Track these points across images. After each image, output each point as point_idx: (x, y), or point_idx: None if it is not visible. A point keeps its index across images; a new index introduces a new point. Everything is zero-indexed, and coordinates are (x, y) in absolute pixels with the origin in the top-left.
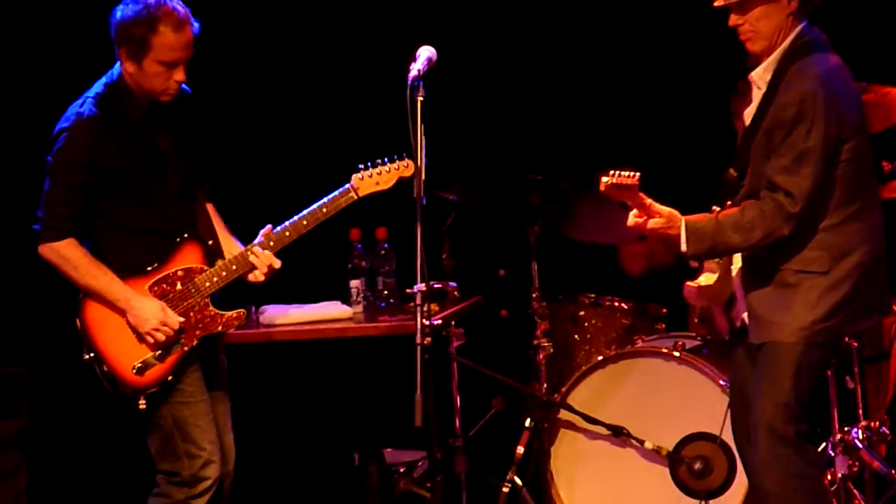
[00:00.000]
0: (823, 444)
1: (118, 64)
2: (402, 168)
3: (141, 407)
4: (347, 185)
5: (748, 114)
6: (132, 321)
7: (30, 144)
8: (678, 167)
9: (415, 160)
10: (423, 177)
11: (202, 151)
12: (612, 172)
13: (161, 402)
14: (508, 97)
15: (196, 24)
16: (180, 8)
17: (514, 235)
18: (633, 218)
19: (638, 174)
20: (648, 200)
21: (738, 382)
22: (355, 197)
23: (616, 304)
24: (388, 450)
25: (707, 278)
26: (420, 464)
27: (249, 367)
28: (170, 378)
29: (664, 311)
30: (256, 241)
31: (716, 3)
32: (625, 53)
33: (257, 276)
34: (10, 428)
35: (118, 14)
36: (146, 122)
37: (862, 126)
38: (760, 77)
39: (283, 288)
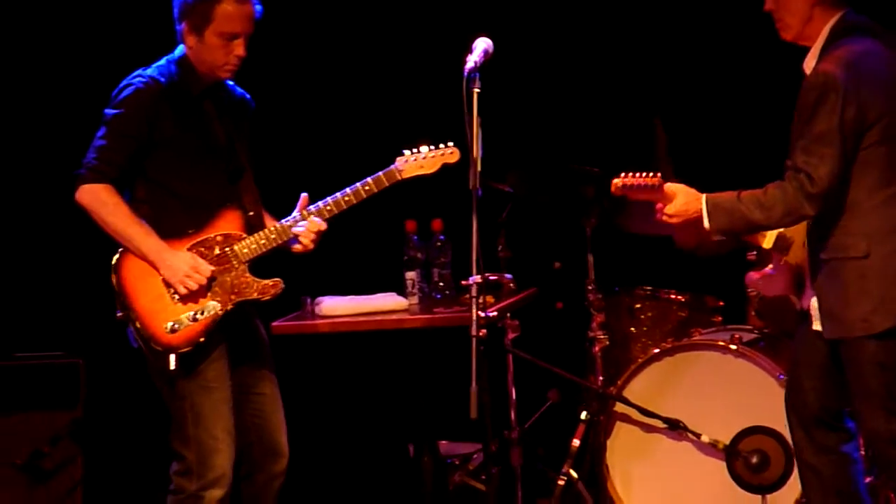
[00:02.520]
0: None
1: (180, 46)
2: (447, 154)
3: (172, 367)
4: (393, 167)
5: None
6: (164, 272)
7: (74, 147)
8: (736, 155)
9: (470, 152)
10: (479, 168)
11: (256, 158)
12: (623, 174)
13: (182, 381)
14: (565, 89)
15: (258, 6)
16: None
17: (569, 227)
18: (660, 214)
19: (659, 174)
20: (670, 188)
21: (795, 363)
22: (399, 178)
23: (673, 296)
24: (444, 442)
25: (773, 268)
26: (475, 456)
27: (305, 358)
28: (202, 339)
29: (721, 303)
30: (294, 214)
31: None
32: (682, 43)
33: (306, 244)
34: (66, 419)
35: None
36: (206, 100)
37: None
38: (808, 66)
39: (339, 279)
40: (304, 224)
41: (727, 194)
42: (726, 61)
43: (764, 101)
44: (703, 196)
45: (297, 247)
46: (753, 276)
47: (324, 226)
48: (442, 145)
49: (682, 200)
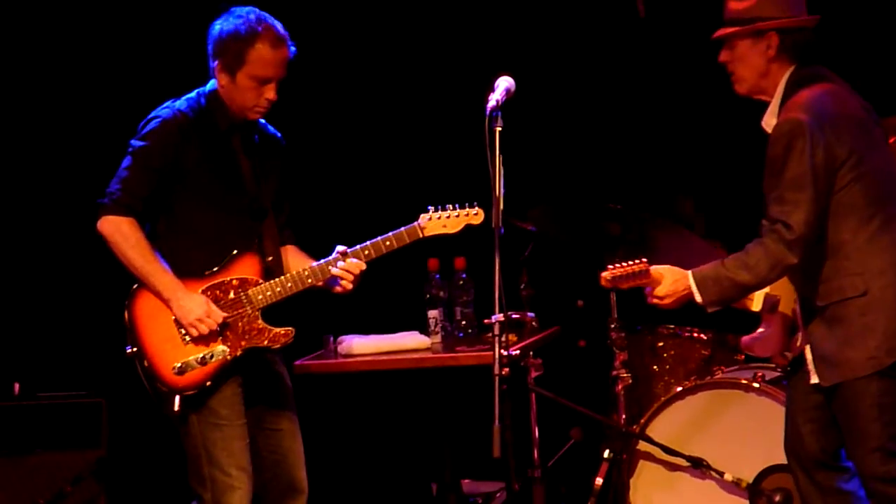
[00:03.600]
0: None
1: (212, 80)
2: (471, 216)
3: (175, 408)
4: (415, 224)
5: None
6: (176, 312)
7: (93, 185)
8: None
9: (493, 190)
10: (502, 207)
11: (285, 198)
12: (610, 266)
13: (194, 420)
14: (586, 126)
15: (293, 48)
16: (280, 27)
17: (592, 265)
18: (651, 298)
19: (644, 260)
20: (657, 272)
21: (789, 409)
22: (420, 235)
23: (695, 334)
24: (467, 480)
25: (765, 330)
26: (498, 495)
27: (328, 396)
28: (208, 384)
29: None
30: (333, 255)
31: (714, 35)
32: (705, 83)
33: (345, 285)
34: (89, 458)
35: (217, 27)
36: (233, 137)
37: (866, 144)
38: (768, 124)
39: (361, 318)
40: (341, 265)
41: (711, 265)
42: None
43: None
44: (689, 272)
45: (338, 288)
46: (746, 339)
47: (363, 266)
48: (467, 206)
49: (670, 281)
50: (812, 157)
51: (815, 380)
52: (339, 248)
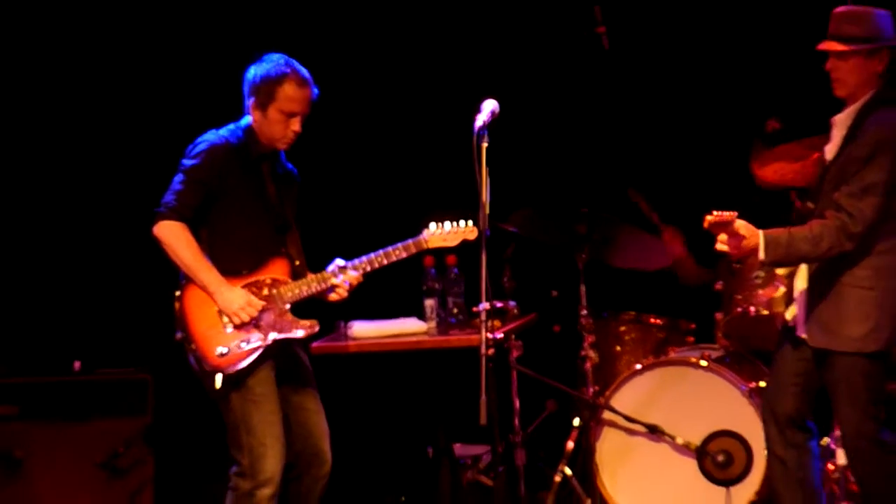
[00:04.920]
0: (827, 439)
1: (247, 116)
2: (467, 232)
3: (217, 386)
4: (420, 237)
5: (829, 150)
6: (220, 303)
7: (146, 189)
8: (718, 197)
9: (479, 198)
10: (487, 212)
11: (300, 220)
12: (714, 213)
13: (234, 397)
14: (561, 142)
15: (316, 90)
16: (304, 71)
17: (565, 261)
18: (720, 245)
19: (735, 213)
20: (738, 224)
21: (777, 371)
22: (425, 247)
23: (652, 320)
24: (458, 444)
25: (779, 291)
26: (484, 456)
27: (339, 374)
28: (246, 365)
29: (693, 326)
30: (331, 267)
31: (821, 47)
32: (656, 106)
33: (340, 293)
34: (137, 425)
35: (252, 72)
36: (263, 165)
37: None
38: (842, 122)
39: (368, 305)
40: (342, 277)
41: (780, 231)
42: (704, 103)
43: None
44: (761, 232)
45: (333, 296)
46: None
47: (361, 278)
48: (463, 222)
49: (744, 234)
50: (891, 171)
51: (802, 333)
52: (339, 261)
